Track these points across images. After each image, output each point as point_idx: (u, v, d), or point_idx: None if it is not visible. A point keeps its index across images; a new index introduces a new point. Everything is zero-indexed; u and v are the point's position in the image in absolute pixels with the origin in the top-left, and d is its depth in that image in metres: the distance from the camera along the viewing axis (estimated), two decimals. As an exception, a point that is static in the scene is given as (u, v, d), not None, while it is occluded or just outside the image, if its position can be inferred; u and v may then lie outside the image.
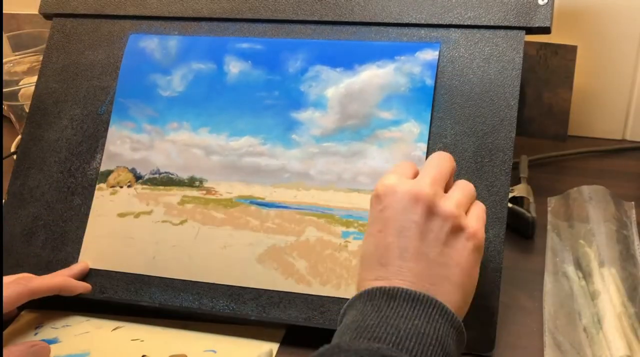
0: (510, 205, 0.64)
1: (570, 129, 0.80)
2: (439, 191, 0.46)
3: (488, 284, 0.53)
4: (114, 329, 0.57)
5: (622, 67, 0.77)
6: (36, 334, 0.57)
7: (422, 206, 0.44)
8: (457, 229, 0.45)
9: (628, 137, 0.80)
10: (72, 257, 0.62)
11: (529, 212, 0.64)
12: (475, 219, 0.46)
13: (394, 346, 0.38)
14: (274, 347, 0.54)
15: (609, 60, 0.77)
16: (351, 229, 0.57)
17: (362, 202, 0.57)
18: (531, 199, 0.66)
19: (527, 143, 0.78)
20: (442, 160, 0.48)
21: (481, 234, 0.46)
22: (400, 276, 0.43)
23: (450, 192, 0.47)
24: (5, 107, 0.79)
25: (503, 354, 0.52)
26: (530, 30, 0.59)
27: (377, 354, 0.37)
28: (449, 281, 0.43)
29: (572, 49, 0.74)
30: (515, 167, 0.71)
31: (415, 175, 0.47)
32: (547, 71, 0.76)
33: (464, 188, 0.47)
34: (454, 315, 0.41)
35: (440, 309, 0.41)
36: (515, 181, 0.69)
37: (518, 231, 0.65)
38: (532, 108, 0.79)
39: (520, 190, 0.67)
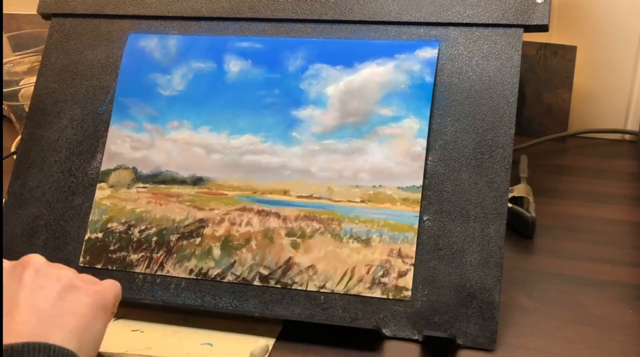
0: (510, 205, 0.64)
1: (570, 129, 0.81)
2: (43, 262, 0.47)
3: (490, 278, 0.54)
4: (114, 320, 0.57)
5: (621, 67, 0.77)
6: None
7: (29, 269, 0.45)
8: (72, 288, 0.45)
9: (628, 137, 0.81)
10: (73, 257, 0.62)
11: (529, 212, 0.64)
12: (102, 285, 0.47)
13: None
14: (270, 342, 0.54)
15: (608, 60, 0.77)
16: (352, 226, 0.57)
17: (363, 198, 0.58)
18: (531, 199, 0.66)
19: (527, 143, 0.78)
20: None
21: (104, 294, 0.46)
22: (12, 330, 0.42)
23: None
24: (6, 107, 0.79)
25: (503, 354, 0.52)
26: (528, 28, 0.60)
27: None
28: (65, 329, 0.44)
29: (572, 49, 0.75)
30: (516, 167, 0.72)
31: None
32: (547, 71, 0.77)
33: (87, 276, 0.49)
34: (68, 350, 0.42)
35: (54, 350, 0.41)
36: (515, 180, 0.70)
37: (518, 231, 0.65)
38: (532, 108, 0.80)
39: (520, 190, 0.67)
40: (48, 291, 0.45)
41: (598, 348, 0.52)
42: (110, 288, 0.48)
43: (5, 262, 0.48)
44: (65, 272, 0.47)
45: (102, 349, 0.52)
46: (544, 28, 0.59)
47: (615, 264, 0.61)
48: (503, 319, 0.54)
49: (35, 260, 0.47)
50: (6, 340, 0.42)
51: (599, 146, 0.81)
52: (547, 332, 0.54)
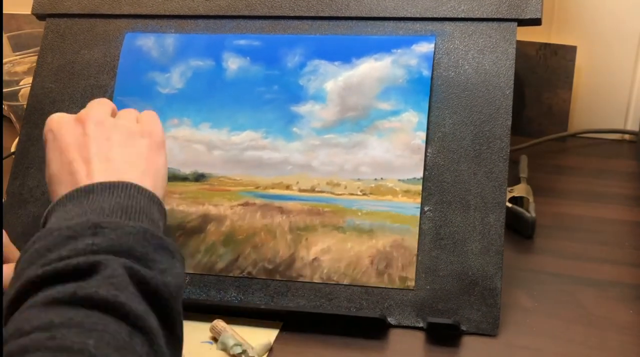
0: (510, 205, 0.65)
1: (570, 129, 0.82)
2: (101, 112, 0.51)
3: (491, 266, 0.55)
4: None
5: (621, 67, 0.78)
6: None
7: (88, 122, 0.49)
8: (129, 132, 0.50)
9: (628, 137, 0.81)
10: (75, 255, 0.62)
11: (529, 212, 0.65)
12: (147, 121, 0.52)
13: (103, 217, 0.41)
14: (272, 337, 0.54)
15: (608, 60, 0.78)
16: (355, 218, 0.58)
17: (365, 191, 0.59)
18: (531, 199, 0.67)
19: (527, 143, 0.79)
20: (102, 103, 0.52)
21: (154, 130, 0.51)
22: (91, 178, 0.45)
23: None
24: (6, 107, 0.79)
25: (503, 354, 0.53)
26: (521, 22, 0.61)
27: (89, 222, 0.39)
28: (137, 169, 0.48)
29: (572, 49, 0.75)
30: (516, 167, 0.73)
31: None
32: (547, 71, 0.77)
33: (126, 111, 0.53)
34: (149, 191, 0.45)
35: (136, 188, 0.44)
36: (515, 180, 0.71)
37: (518, 231, 0.66)
38: (531, 108, 0.80)
39: (520, 190, 0.68)
40: (113, 141, 0.48)
41: (598, 348, 0.52)
42: (155, 122, 0.52)
43: (65, 117, 0.50)
44: (121, 122, 0.50)
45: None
46: (537, 22, 0.61)
47: (615, 264, 0.61)
48: (503, 319, 0.55)
49: (93, 113, 0.50)
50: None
51: (599, 146, 0.81)
52: (547, 332, 0.54)
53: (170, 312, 0.39)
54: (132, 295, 0.37)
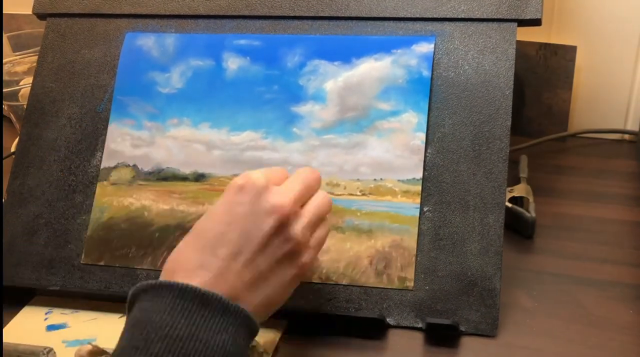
0: (510, 205, 0.65)
1: (570, 129, 0.82)
2: (297, 211, 0.47)
3: (490, 266, 0.55)
4: (120, 317, 0.58)
5: (621, 67, 0.78)
6: (46, 319, 0.58)
7: (275, 220, 0.45)
8: (293, 254, 0.46)
9: (628, 137, 0.81)
10: (75, 255, 0.62)
11: (529, 212, 0.65)
12: (315, 244, 0.49)
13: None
14: (277, 335, 0.55)
15: (608, 60, 0.78)
16: (354, 218, 0.58)
17: (364, 191, 0.59)
18: (531, 199, 0.67)
19: (527, 143, 0.79)
20: (311, 179, 0.50)
21: (309, 267, 0.48)
22: (224, 275, 0.43)
23: (306, 208, 0.48)
24: (6, 107, 0.79)
25: (503, 354, 0.53)
26: (521, 23, 0.61)
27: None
28: (266, 297, 0.45)
29: (572, 49, 0.75)
30: (516, 167, 0.72)
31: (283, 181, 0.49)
32: (547, 71, 0.77)
33: (320, 206, 0.49)
34: (257, 326, 0.44)
35: (247, 323, 0.43)
36: (515, 180, 0.71)
37: (518, 230, 0.66)
38: (531, 108, 0.80)
39: (520, 190, 0.68)
40: (274, 252, 0.45)
41: (598, 348, 0.52)
42: (318, 247, 0.49)
43: (265, 190, 0.46)
44: (297, 231, 0.46)
45: (106, 346, 0.52)
46: (537, 22, 0.61)
47: (615, 264, 0.61)
48: (503, 319, 0.55)
49: (287, 209, 0.46)
50: (209, 277, 0.43)
51: (599, 146, 0.81)
52: (547, 332, 0.54)
53: None
54: None
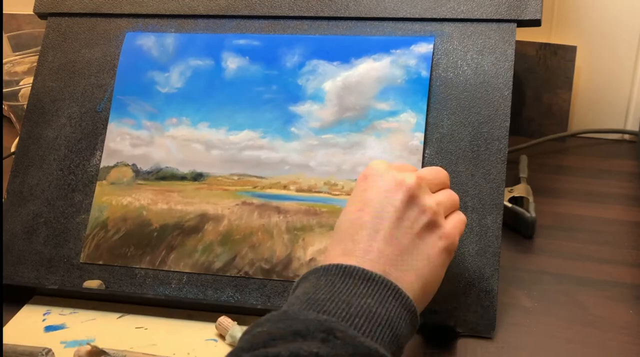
0: (510, 205, 0.65)
1: (570, 129, 0.81)
2: (424, 186, 0.47)
3: (488, 267, 0.55)
4: (119, 317, 0.58)
5: (621, 67, 0.77)
6: (44, 319, 0.58)
7: (404, 193, 0.45)
8: (432, 225, 0.46)
9: (628, 137, 0.81)
10: (74, 254, 0.62)
11: (529, 212, 0.65)
12: (453, 224, 0.48)
13: (343, 321, 0.38)
14: None
15: (608, 60, 0.78)
16: (352, 219, 0.58)
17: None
18: (531, 199, 0.67)
19: (527, 143, 0.79)
20: (438, 171, 0.50)
21: (454, 238, 0.47)
22: (367, 255, 0.43)
23: (436, 193, 0.48)
24: (6, 107, 0.79)
25: (502, 354, 0.52)
26: (521, 23, 0.61)
27: (324, 325, 0.37)
28: (415, 271, 0.44)
29: (572, 49, 0.75)
30: (515, 167, 0.72)
31: None
32: (547, 71, 0.77)
33: (449, 194, 0.49)
34: (409, 299, 0.42)
35: (395, 291, 0.41)
36: (515, 180, 0.71)
37: (518, 231, 0.66)
38: (531, 108, 0.80)
39: (520, 190, 0.68)
40: (411, 225, 0.45)
41: (598, 348, 0.52)
42: (458, 228, 0.48)
43: (391, 171, 0.46)
44: (429, 202, 0.46)
45: (105, 347, 0.52)
46: (536, 23, 0.61)
47: (615, 264, 0.61)
48: (502, 319, 0.55)
49: (411, 181, 0.46)
50: (353, 261, 0.42)
51: (599, 146, 0.81)
52: (546, 332, 0.54)
53: None
54: None
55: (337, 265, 0.42)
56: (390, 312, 0.40)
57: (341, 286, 0.40)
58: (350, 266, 0.42)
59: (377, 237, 0.44)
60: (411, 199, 0.45)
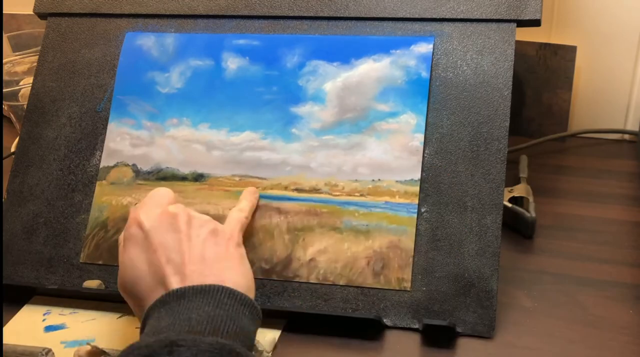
0: (510, 205, 0.65)
1: (570, 129, 0.81)
2: (186, 208, 0.51)
3: (487, 267, 0.55)
4: (119, 317, 0.58)
5: (621, 67, 0.77)
6: (44, 319, 0.58)
7: (181, 218, 0.49)
8: (215, 232, 0.50)
9: (628, 137, 0.81)
10: (74, 254, 0.62)
11: (529, 212, 0.65)
12: (228, 222, 0.53)
13: (186, 333, 0.41)
14: (276, 335, 0.55)
15: (608, 60, 0.77)
16: (352, 219, 0.58)
17: (362, 192, 0.59)
18: (531, 199, 0.67)
19: (527, 143, 0.79)
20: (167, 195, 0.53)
21: (235, 234, 0.52)
22: (186, 280, 0.46)
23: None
24: (6, 107, 0.79)
25: (502, 354, 0.53)
26: (520, 23, 0.61)
27: (165, 341, 0.40)
28: (231, 270, 0.48)
29: (572, 50, 0.75)
30: (515, 167, 0.72)
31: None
32: (547, 71, 0.77)
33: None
34: (241, 294, 0.46)
35: (227, 292, 0.45)
36: (515, 180, 0.71)
37: (518, 231, 0.66)
38: (531, 108, 0.80)
39: (520, 190, 0.68)
40: (203, 238, 0.49)
41: (598, 348, 0.52)
42: (236, 227, 0.53)
43: (153, 212, 0.49)
44: (200, 217, 0.51)
45: (105, 347, 0.52)
46: (536, 23, 0.61)
47: (615, 264, 0.61)
48: (503, 319, 0.55)
49: (180, 209, 0.50)
50: (180, 284, 0.46)
51: (599, 146, 0.81)
52: (546, 332, 0.54)
53: None
54: None
55: (169, 292, 0.45)
56: (228, 311, 0.44)
57: (179, 308, 0.44)
58: (182, 288, 0.45)
59: (184, 262, 0.47)
60: (188, 219, 0.50)
